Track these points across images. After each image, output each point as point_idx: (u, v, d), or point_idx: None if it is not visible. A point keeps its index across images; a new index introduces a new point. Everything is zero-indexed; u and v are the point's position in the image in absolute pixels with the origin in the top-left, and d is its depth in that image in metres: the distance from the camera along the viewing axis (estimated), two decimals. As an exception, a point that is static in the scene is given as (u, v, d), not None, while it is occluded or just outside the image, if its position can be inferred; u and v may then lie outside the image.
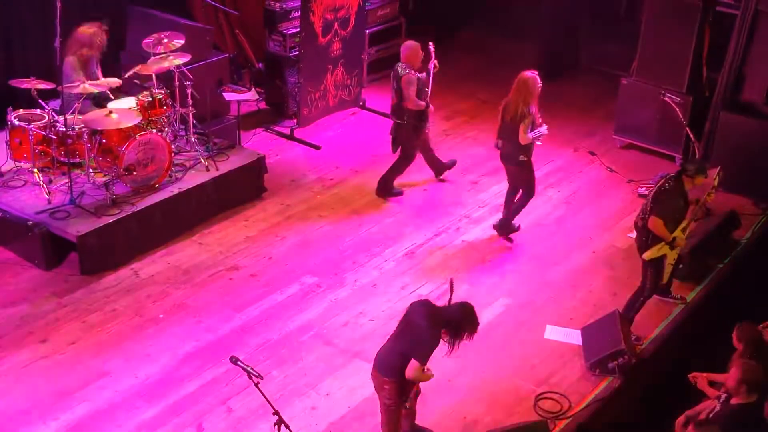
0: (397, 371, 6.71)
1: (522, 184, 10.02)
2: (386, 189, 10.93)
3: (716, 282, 9.71)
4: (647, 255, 8.50)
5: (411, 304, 6.85)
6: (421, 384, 7.07)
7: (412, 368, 6.60)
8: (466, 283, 9.41)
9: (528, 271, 9.74)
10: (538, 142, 9.71)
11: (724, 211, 10.37)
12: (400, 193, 10.96)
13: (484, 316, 8.93)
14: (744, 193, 10.98)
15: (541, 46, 14.23)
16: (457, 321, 6.61)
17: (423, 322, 6.65)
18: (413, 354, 6.60)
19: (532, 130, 9.52)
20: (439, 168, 11.24)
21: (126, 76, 10.21)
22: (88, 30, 9.98)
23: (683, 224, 8.42)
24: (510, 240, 10.19)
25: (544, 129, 9.63)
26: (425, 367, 6.66)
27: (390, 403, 6.90)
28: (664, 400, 8.06)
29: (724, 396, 7.16)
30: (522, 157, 9.67)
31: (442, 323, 6.61)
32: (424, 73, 10.35)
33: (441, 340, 6.61)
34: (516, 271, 9.72)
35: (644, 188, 11.01)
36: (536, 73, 9.52)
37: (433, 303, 6.87)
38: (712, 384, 7.60)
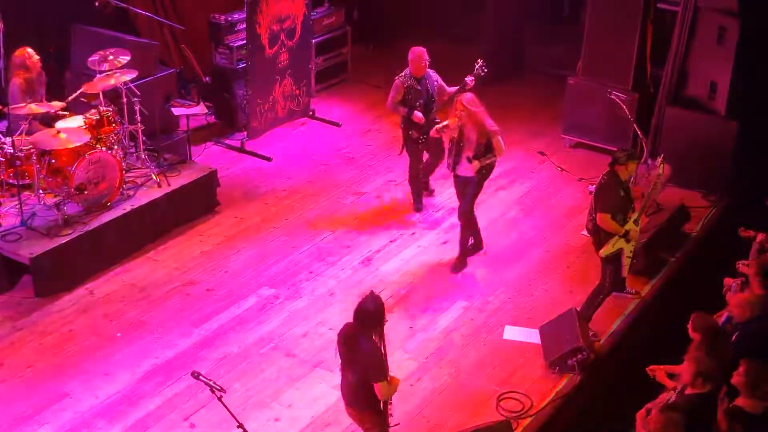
0: (370, 401, 6.69)
1: None
2: (417, 188, 10.88)
3: (670, 275, 9.84)
4: (603, 251, 8.57)
5: (339, 335, 6.73)
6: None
7: (379, 391, 6.55)
8: (424, 288, 9.45)
9: (484, 272, 9.79)
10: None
11: (674, 205, 10.51)
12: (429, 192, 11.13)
13: (443, 320, 9.01)
14: (692, 187, 11.12)
15: (486, 50, 14.32)
16: (375, 314, 6.54)
17: (361, 345, 6.56)
18: (372, 379, 6.54)
19: None
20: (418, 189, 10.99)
21: (71, 98, 10.12)
22: (19, 53, 9.88)
23: (634, 216, 8.53)
24: None
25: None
26: (389, 377, 6.65)
27: (376, 429, 6.89)
28: (624, 394, 8.13)
29: (680, 387, 7.24)
30: None
31: (370, 330, 6.56)
32: (412, 82, 10.25)
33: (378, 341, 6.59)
34: (472, 274, 9.76)
35: (594, 186, 11.09)
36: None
37: (348, 323, 6.71)
38: (670, 376, 7.69)
